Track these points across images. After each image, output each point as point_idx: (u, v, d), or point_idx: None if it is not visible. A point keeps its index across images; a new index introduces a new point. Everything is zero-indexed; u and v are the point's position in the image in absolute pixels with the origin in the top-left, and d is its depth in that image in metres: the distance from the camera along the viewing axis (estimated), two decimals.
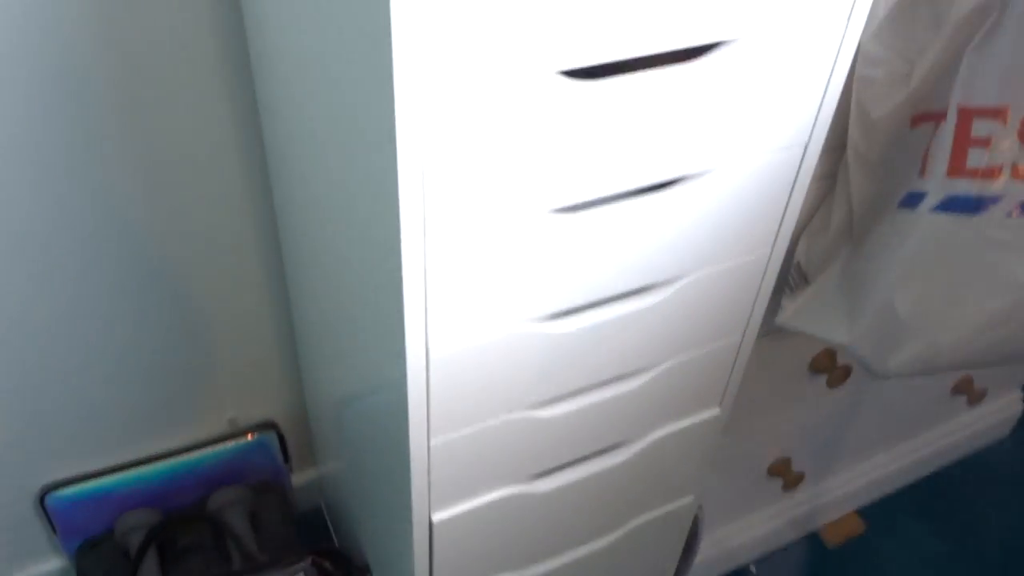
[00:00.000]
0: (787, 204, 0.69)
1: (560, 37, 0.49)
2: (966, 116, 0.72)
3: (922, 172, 0.76)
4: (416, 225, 0.53)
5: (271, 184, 0.96)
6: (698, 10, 0.53)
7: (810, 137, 0.65)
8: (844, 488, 1.38)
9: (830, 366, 1.08)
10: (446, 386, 0.64)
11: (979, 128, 0.71)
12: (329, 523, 1.30)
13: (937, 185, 0.74)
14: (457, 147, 0.51)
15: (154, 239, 0.96)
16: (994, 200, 0.73)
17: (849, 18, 0.60)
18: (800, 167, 0.67)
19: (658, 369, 0.76)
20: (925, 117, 0.76)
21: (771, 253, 0.73)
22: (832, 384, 1.09)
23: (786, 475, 1.23)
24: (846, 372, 1.08)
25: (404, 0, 0.44)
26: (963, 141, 0.72)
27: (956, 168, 0.73)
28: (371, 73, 0.49)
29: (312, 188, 0.75)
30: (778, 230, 0.71)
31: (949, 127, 0.72)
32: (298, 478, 1.28)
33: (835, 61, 0.62)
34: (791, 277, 0.89)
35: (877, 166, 0.79)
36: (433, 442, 0.67)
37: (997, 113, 0.71)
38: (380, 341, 0.66)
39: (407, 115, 0.48)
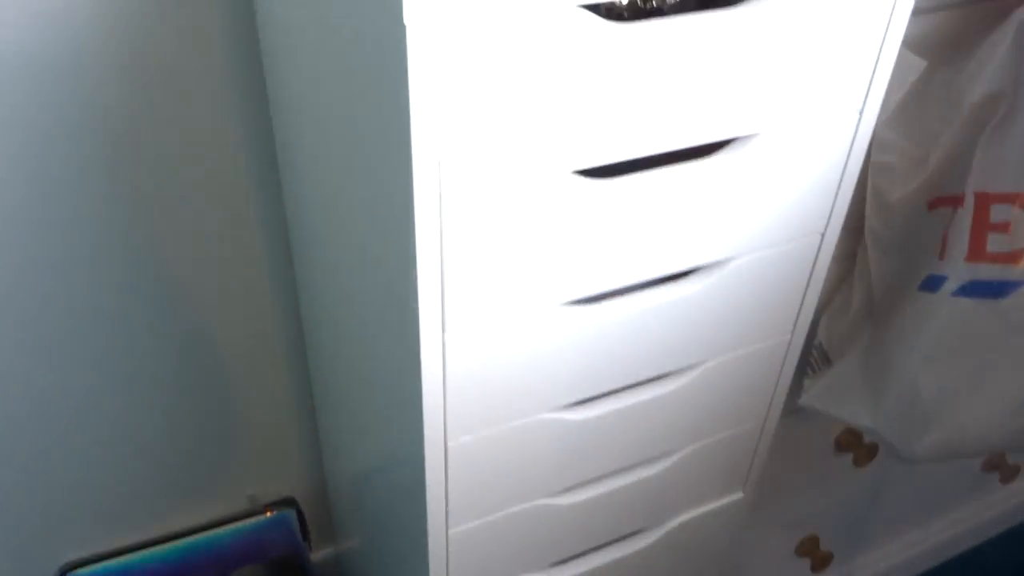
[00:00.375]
0: (806, 290, 0.69)
1: (574, 139, 0.51)
2: (983, 201, 0.72)
3: (941, 255, 0.76)
4: (434, 318, 0.54)
5: (295, 266, 0.98)
6: (711, 109, 0.54)
7: (827, 225, 0.66)
8: (874, 567, 1.34)
9: (856, 444, 1.06)
10: (465, 475, 0.64)
11: (997, 213, 0.72)
12: None
13: (957, 269, 0.74)
14: (474, 245, 0.52)
15: (176, 319, 0.97)
16: (1016, 285, 0.72)
17: (862, 111, 0.61)
18: (818, 255, 0.67)
19: (679, 454, 0.75)
20: (942, 201, 0.76)
21: (791, 338, 0.73)
22: (858, 463, 1.07)
23: (814, 555, 1.20)
24: (872, 451, 1.06)
25: (422, 114, 0.45)
26: (982, 226, 0.72)
27: (976, 253, 0.73)
28: (392, 175, 0.50)
29: (332, 273, 0.76)
30: (798, 315, 0.71)
31: (967, 212, 0.73)
32: (317, 555, 1.27)
33: (850, 150, 0.63)
34: (813, 358, 0.89)
35: (895, 249, 0.80)
36: (451, 532, 0.66)
37: (1015, 198, 0.71)
38: (399, 429, 0.66)
39: (425, 215, 0.49)
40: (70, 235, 0.87)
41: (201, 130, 0.87)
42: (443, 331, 0.55)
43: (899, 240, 0.79)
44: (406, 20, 0.42)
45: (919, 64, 0.75)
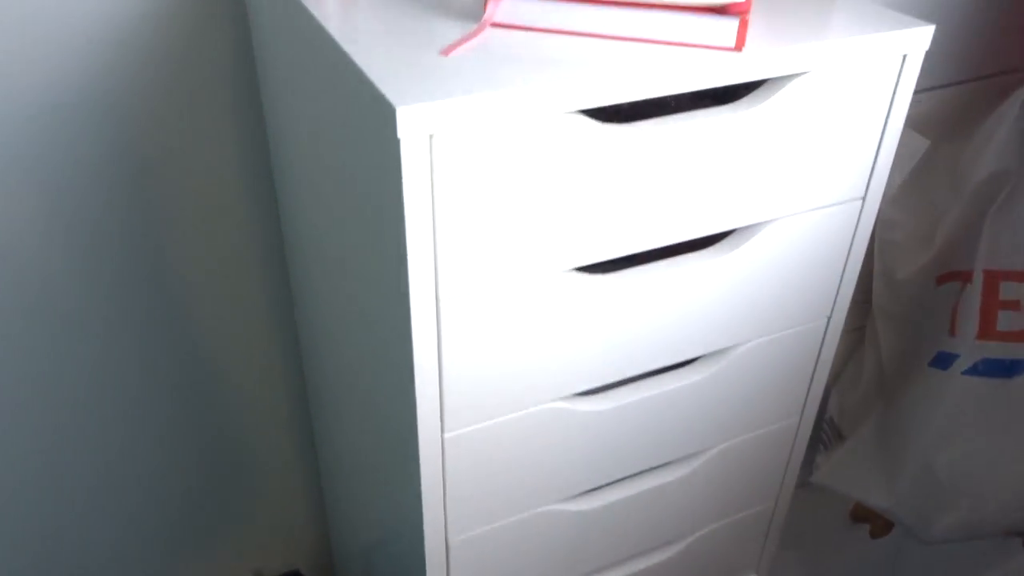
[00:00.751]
0: (813, 373, 0.68)
1: (574, 237, 0.50)
2: (992, 279, 0.71)
3: (951, 331, 0.74)
4: (433, 417, 0.53)
5: (301, 347, 0.98)
6: (712, 202, 0.53)
7: (832, 309, 0.65)
8: None
9: (872, 515, 1.03)
10: (467, 570, 0.62)
11: (1007, 291, 0.71)
12: None
13: (968, 347, 0.72)
14: (472, 343, 0.51)
15: (186, 393, 0.97)
16: None
17: (865, 197, 0.60)
18: (824, 338, 0.66)
19: (689, 539, 0.73)
20: (950, 276, 0.75)
21: (800, 420, 0.71)
22: (875, 535, 1.05)
23: None
24: (889, 522, 1.04)
25: (417, 227, 0.45)
26: (991, 304, 0.71)
27: (986, 331, 0.72)
28: (391, 277, 0.50)
29: (339, 365, 0.75)
30: (806, 397, 0.70)
31: (976, 289, 0.72)
32: None
33: (853, 236, 0.62)
34: (824, 432, 0.87)
35: (904, 324, 0.78)
36: None
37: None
38: (401, 523, 0.64)
39: (422, 319, 0.48)
40: (85, 325, 0.87)
41: (212, 208, 0.87)
42: (442, 431, 0.54)
43: (908, 315, 0.78)
44: (400, 134, 0.42)
45: (922, 142, 0.74)
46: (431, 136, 0.43)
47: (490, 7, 0.51)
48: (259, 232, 0.91)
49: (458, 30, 0.51)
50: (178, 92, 0.81)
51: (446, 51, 0.48)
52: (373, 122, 0.45)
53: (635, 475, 0.66)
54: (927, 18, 0.68)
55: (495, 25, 0.52)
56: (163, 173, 0.84)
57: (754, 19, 0.53)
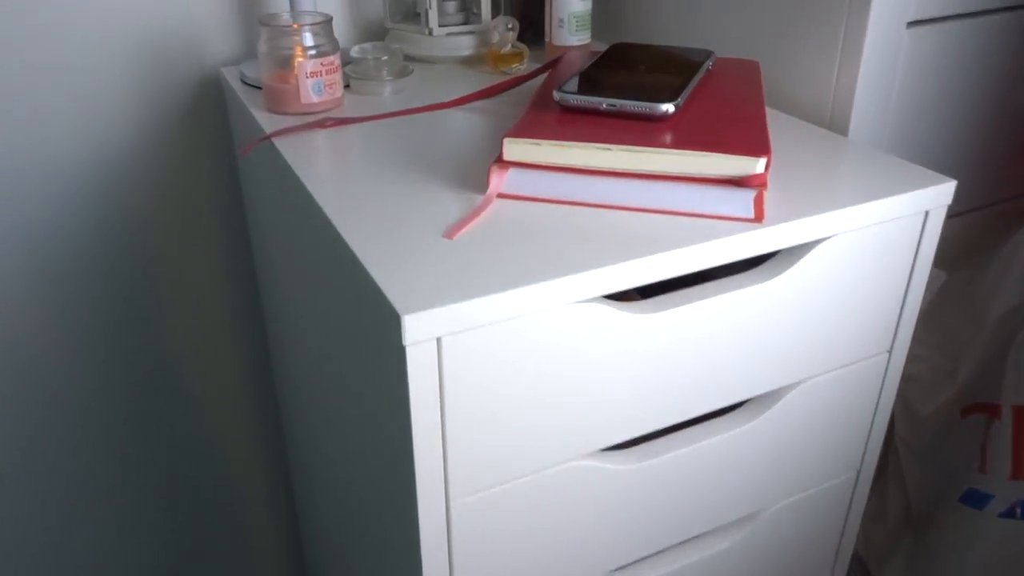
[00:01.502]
0: (844, 527, 0.64)
1: (591, 422, 0.47)
2: (1022, 416, 0.68)
3: (982, 468, 0.71)
4: None
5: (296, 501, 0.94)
6: (733, 373, 0.50)
7: (862, 463, 0.61)
8: None
9: None
10: None
11: None
12: None
13: (1003, 488, 0.69)
14: (489, 536, 0.47)
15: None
16: None
17: (891, 350, 0.57)
18: (855, 492, 0.63)
19: None
20: (975, 409, 0.72)
21: (832, 574, 0.67)
22: None
23: None
24: None
25: (425, 425, 0.41)
26: None
27: (1021, 471, 0.68)
28: (399, 484, 0.46)
29: (343, 547, 0.71)
30: (837, 551, 0.66)
31: (1006, 426, 0.68)
32: None
33: (881, 389, 0.59)
34: (851, 570, 0.82)
35: (930, 458, 0.75)
36: None
37: None
38: None
39: (431, 521, 0.45)
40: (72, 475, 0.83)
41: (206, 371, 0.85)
42: None
43: (933, 449, 0.74)
44: (407, 342, 0.39)
45: (939, 275, 0.72)
46: (439, 339, 0.40)
47: (494, 180, 0.49)
48: (259, 418, 0.88)
49: (459, 201, 0.48)
50: (173, 260, 0.79)
51: (450, 233, 0.45)
52: (376, 321, 0.42)
53: None
54: (936, 146, 0.67)
55: (501, 196, 0.49)
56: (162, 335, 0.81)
57: (771, 182, 0.51)
